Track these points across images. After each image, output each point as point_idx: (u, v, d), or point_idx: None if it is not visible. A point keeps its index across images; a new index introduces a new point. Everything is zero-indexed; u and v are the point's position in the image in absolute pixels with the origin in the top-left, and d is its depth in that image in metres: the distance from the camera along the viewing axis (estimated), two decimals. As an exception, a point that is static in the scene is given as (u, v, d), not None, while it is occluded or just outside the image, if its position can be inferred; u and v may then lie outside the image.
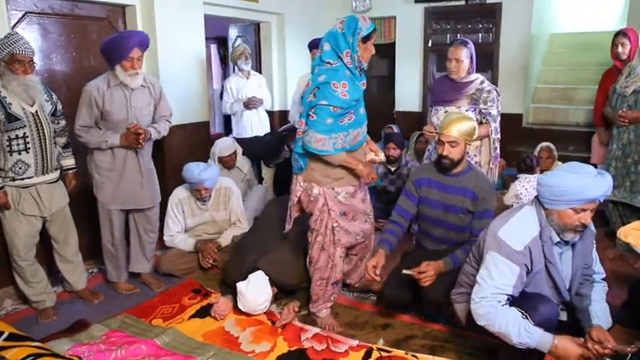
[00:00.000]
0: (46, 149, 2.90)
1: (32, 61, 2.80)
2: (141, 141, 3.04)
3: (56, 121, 3.00)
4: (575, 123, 5.53)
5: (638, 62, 3.58)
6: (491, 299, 2.05)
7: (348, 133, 2.66)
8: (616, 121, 3.65)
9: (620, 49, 4.07)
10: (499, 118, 3.45)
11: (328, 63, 2.63)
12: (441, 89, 3.53)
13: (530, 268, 2.11)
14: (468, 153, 2.96)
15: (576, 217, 2.03)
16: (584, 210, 2.02)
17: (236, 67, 5.01)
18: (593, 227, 2.24)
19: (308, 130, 2.60)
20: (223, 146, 4.38)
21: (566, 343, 1.97)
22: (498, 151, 3.52)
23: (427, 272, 2.56)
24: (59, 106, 3.04)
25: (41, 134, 2.86)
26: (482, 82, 3.40)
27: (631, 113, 3.52)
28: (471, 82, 3.40)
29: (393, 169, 4.44)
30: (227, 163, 4.36)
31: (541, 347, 1.97)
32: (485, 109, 3.37)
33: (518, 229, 2.12)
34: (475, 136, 2.79)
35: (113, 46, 3.01)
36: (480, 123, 3.36)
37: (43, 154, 2.89)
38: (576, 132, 5.31)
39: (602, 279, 2.35)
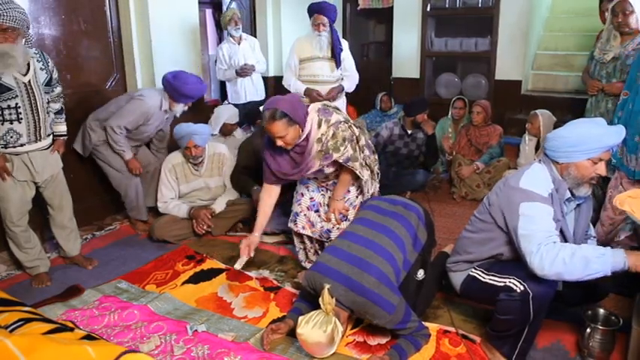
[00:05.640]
0: (39, 118, 2.82)
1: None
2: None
3: (51, 90, 2.91)
4: (575, 90, 5.45)
5: (613, 27, 3.42)
6: (548, 242, 1.94)
7: None
8: (588, 88, 3.54)
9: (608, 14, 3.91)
10: (357, 150, 2.75)
11: None
12: (281, 158, 2.79)
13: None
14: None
15: (593, 168, 2.05)
16: (600, 160, 2.04)
17: (227, 33, 4.96)
18: (591, 194, 2.25)
19: None
20: (232, 113, 4.35)
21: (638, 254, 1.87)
22: None
23: None
24: (55, 74, 2.92)
25: (33, 104, 2.77)
26: (319, 125, 2.67)
27: (614, 86, 3.38)
28: (307, 136, 2.67)
29: (410, 131, 4.47)
30: (229, 131, 4.34)
31: (618, 262, 1.81)
32: (344, 157, 2.69)
33: (537, 179, 2.11)
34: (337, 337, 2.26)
35: (185, 94, 3.59)
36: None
37: (35, 123, 2.81)
38: (576, 99, 5.25)
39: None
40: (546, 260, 1.90)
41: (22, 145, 2.80)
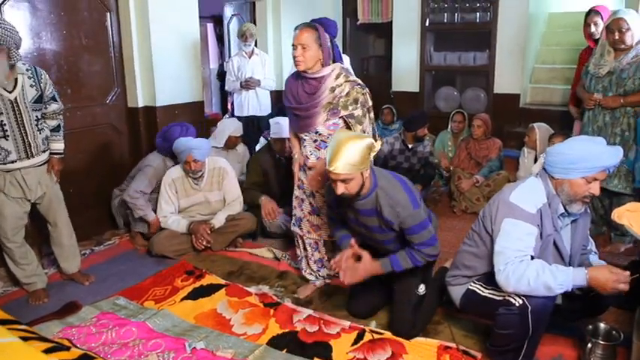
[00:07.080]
0: (27, 135, 2.76)
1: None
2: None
3: (44, 107, 2.86)
4: (573, 104, 5.47)
5: (607, 43, 3.38)
6: (515, 262, 2.02)
7: None
8: (586, 102, 3.51)
9: (593, 28, 3.91)
10: (367, 119, 2.80)
11: None
12: (292, 92, 2.85)
13: (540, 232, 2.12)
14: None
15: (586, 187, 2.07)
16: (595, 179, 2.06)
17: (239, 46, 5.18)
18: (589, 210, 2.25)
19: None
20: (236, 126, 4.38)
21: (599, 269, 2.00)
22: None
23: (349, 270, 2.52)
24: (47, 92, 2.85)
25: (19, 121, 2.72)
26: (337, 76, 2.75)
27: (610, 100, 3.36)
28: (322, 77, 2.74)
29: (410, 145, 4.49)
30: (233, 144, 4.35)
31: (578, 281, 1.96)
32: (349, 113, 2.75)
33: (528, 193, 2.14)
34: (373, 153, 2.34)
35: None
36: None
37: (24, 140, 2.76)
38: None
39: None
40: (512, 279, 2.00)
41: (12, 162, 2.76)
